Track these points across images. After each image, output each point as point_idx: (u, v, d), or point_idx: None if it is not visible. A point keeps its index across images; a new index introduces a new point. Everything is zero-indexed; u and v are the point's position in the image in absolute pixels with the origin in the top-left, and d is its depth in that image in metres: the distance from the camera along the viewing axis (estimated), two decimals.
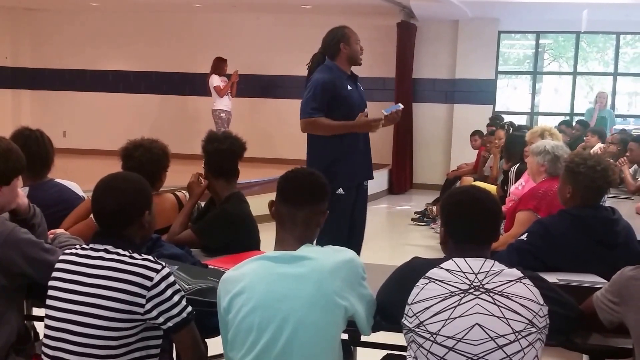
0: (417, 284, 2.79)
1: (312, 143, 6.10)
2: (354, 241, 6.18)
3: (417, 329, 2.73)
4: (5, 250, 3.25)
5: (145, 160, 4.47)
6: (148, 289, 2.90)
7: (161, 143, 4.67)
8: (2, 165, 3.41)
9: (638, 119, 16.61)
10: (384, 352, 3.59)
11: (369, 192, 14.44)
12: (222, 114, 14.21)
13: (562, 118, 14.66)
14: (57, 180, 4.72)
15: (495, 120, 12.71)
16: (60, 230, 3.96)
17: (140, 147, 4.55)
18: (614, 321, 2.99)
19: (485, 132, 12.09)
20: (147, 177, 3.91)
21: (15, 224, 3.42)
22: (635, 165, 8.87)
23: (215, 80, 14.24)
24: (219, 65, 14.36)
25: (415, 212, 11.97)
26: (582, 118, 14.11)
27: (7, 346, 3.32)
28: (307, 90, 5.94)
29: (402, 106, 6.23)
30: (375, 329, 3.09)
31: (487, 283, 2.73)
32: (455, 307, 2.69)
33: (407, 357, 2.86)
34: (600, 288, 3.10)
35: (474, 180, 10.25)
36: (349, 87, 6.02)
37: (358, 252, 5.63)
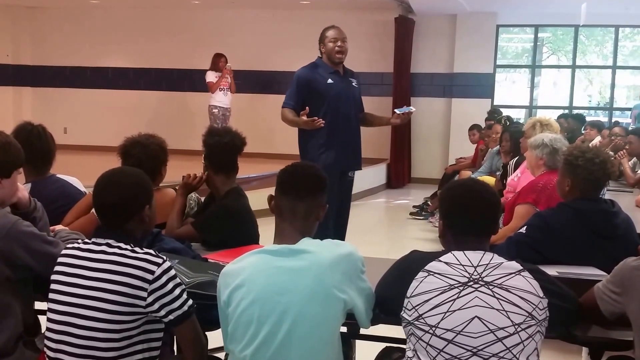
0: (416, 277, 2.80)
1: (299, 131, 6.65)
2: (338, 232, 6.41)
3: (416, 322, 2.74)
4: (7, 243, 3.27)
5: (143, 157, 4.45)
6: (150, 282, 2.91)
7: (158, 138, 4.65)
8: (1, 157, 3.44)
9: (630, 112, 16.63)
10: (383, 345, 3.59)
11: (368, 186, 14.56)
12: (214, 110, 14.24)
13: (561, 111, 14.67)
14: (58, 175, 4.74)
15: (494, 114, 12.70)
16: (59, 227, 3.97)
17: (138, 144, 4.53)
18: (616, 312, 2.99)
19: (483, 126, 12.09)
20: (147, 173, 3.93)
21: (18, 217, 3.44)
22: (635, 158, 8.88)
23: (209, 76, 14.30)
24: (214, 61, 14.39)
25: (414, 206, 11.99)
26: (580, 112, 14.13)
27: (13, 337, 3.33)
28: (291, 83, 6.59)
29: (414, 109, 7.00)
30: (374, 322, 3.10)
31: (486, 276, 2.74)
32: (455, 299, 2.70)
33: (407, 349, 2.86)
34: (600, 280, 3.11)
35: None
36: (330, 81, 6.49)
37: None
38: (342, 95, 6.54)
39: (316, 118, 6.25)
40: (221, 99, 14.26)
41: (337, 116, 6.50)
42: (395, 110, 6.76)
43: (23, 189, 3.72)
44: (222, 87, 14.24)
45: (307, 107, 6.33)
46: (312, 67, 6.57)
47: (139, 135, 4.63)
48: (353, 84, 6.72)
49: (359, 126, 6.81)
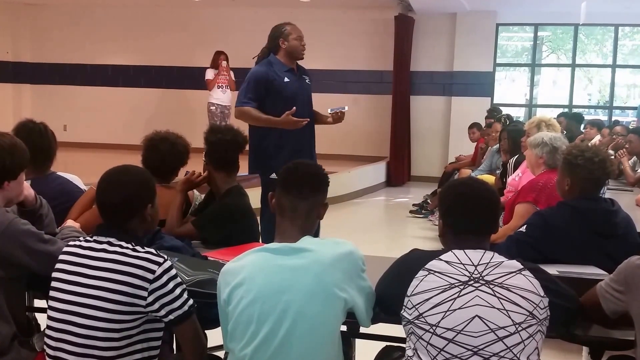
0: (416, 276, 2.79)
1: (251, 130, 6.51)
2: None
3: (416, 321, 2.74)
4: (4, 241, 3.27)
5: (168, 155, 4.52)
6: (150, 281, 2.92)
7: (184, 140, 4.74)
8: (8, 160, 3.45)
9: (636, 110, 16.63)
10: (383, 344, 3.59)
11: (367, 184, 14.55)
12: (212, 107, 14.29)
13: (560, 110, 14.68)
14: (58, 173, 4.73)
15: (493, 112, 12.72)
16: (70, 222, 3.96)
17: (166, 140, 4.61)
18: (618, 310, 2.98)
19: (483, 125, 12.10)
20: (166, 170, 3.98)
21: (16, 215, 3.46)
22: (635, 157, 8.87)
23: (207, 74, 14.35)
24: (214, 59, 14.43)
25: (414, 205, 11.98)
26: (579, 110, 14.14)
27: (8, 337, 3.33)
28: (245, 81, 6.44)
29: (347, 108, 6.63)
30: (374, 320, 3.09)
31: (487, 275, 2.74)
32: (455, 298, 2.70)
33: (407, 348, 2.86)
34: (600, 280, 3.10)
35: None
36: (287, 80, 6.41)
37: None
38: (297, 94, 6.47)
39: (302, 120, 6.21)
40: (219, 96, 14.28)
41: (293, 116, 6.36)
42: (328, 110, 6.62)
43: (29, 187, 3.74)
44: (220, 84, 14.26)
45: (294, 107, 6.20)
46: (267, 64, 6.45)
47: (167, 132, 4.70)
48: (306, 81, 6.65)
49: (314, 125, 6.71)
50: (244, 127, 4.85)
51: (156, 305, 2.93)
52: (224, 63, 14.28)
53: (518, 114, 15.90)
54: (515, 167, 7.15)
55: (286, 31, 6.46)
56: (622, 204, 4.29)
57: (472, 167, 11.23)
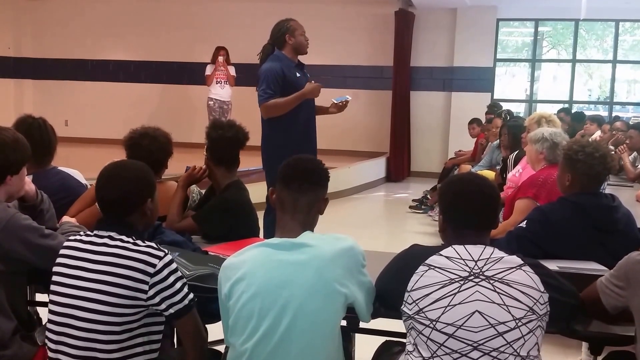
0: (416, 271, 2.80)
1: (270, 128, 6.55)
2: None
3: (416, 316, 2.74)
4: (5, 236, 3.28)
5: (154, 149, 4.48)
6: (151, 275, 2.92)
7: (163, 130, 4.67)
8: (10, 155, 3.46)
9: (637, 106, 16.63)
10: (383, 339, 3.60)
11: (367, 180, 14.58)
12: (210, 102, 14.37)
13: (560, 106, 14.67)
14: (59, 168, 4.74)
15: (494, 108, 12.69)
16: (66, 218, 3.98)
17: (147, 135, 4.54)
18: (618, 306, 2.99)
19: (483, 120, 12.08)
20: (155, 165, 3.95)
21: (16, 210, 3.46)
22: (635, 152, 8.87)
23: (207, 70, 14.39)
24: (214, 54, 14.44)
25: (413, 200, 11.99)
26: (580, 106, 14.12)
27: (9, 331, 3.33)
28: (260, 80, 6.41)
29: (350, 98, 6.82)
30: (374, 315, 3.10)
31: (487, 270, 2.74)
32: (455, 294, 2.70)
33: (407, 343, 2.86)
34: (601, 275, 3.10)
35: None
36: (298, 74, 6.52)
37: None
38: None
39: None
40: (217, 91, 14.32)
41: (307, 110, 6.54)
42: (332, 99, 6.75)
43: (30, 182, 3.75)
44: (218, 79, 14.27)
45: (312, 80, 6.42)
46: (277, 60, 6.49)
47: (145, 127, 4.64)
48: (307, 75, 6.72)
49: (315, 119, 6.83)
50: (245, 123, 4.83)
51: (157, 299, 2.93)
52: (220, 58, 14.28)
53: (518, 109, 15.86)
54: (516, 163, 7.14)
55: (291, 27, 6.51)
56: (622, 199, 4.29)
57: (472, 162, 11.23)
